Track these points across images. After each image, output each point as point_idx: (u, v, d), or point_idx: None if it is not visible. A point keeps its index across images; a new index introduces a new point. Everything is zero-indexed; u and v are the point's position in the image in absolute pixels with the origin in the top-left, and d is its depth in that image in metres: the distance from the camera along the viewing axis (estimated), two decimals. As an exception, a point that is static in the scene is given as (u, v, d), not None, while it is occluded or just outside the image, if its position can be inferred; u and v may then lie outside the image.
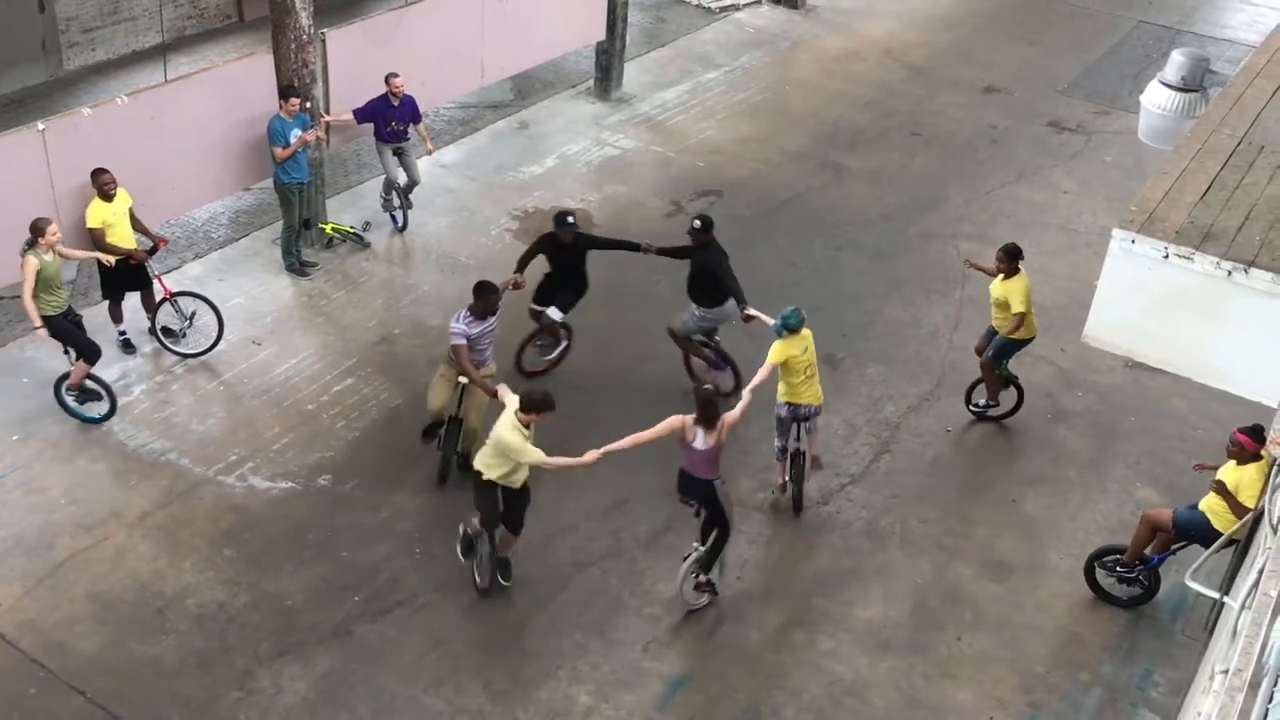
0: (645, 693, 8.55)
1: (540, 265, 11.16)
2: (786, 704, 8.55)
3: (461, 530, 9.11)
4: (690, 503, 8.93)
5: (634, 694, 8.53)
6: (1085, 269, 13.26)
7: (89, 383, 10.38)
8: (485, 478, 8.64)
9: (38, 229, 9.70)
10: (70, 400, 10.44)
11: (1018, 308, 10.47)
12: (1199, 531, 8.70)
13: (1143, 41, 20.62)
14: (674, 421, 8.59)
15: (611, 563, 9.53)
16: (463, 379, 9.60)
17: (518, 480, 8.69)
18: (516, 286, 10.55)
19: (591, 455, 8.42)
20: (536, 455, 8.35)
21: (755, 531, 9.89)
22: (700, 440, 8.59)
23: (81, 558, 9.22)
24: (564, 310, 11.09)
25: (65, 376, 10.34)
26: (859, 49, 19.61)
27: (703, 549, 8.96)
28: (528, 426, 8.42)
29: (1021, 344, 10.82)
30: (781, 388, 9.60)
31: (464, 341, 9.38)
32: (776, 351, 9.34)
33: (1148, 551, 9.16)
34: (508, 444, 8.36)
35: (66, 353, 10.24)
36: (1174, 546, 9.07)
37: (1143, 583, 9.25)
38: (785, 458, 10.01)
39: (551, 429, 8.82)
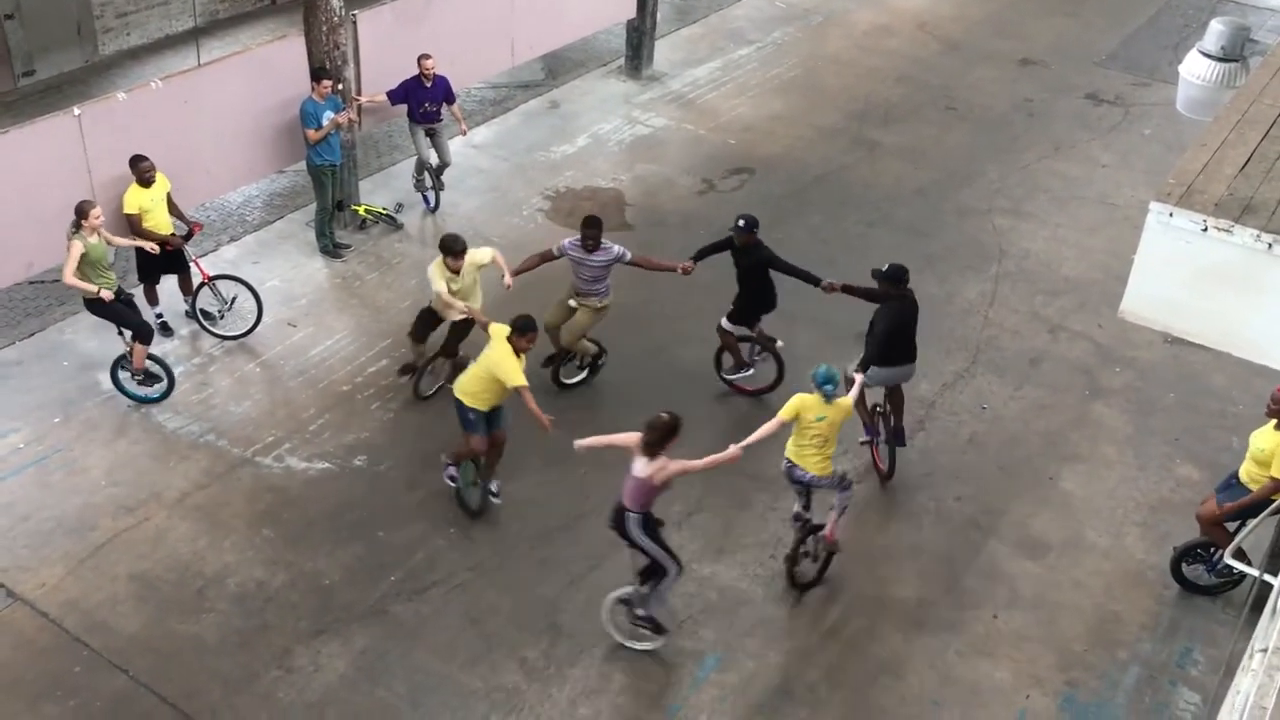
0: (679, 671, 8.57)
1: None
2: (821, 682, 8.55)
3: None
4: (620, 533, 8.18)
5: (668, 672, 8.55)
6: (1123, 243, 13.10)
7: (148, 363, 10.51)
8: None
9: (82, 212, 9.84)
10: (131, 384, 10.54)
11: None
12: (1251, 512, 8.52)
13: (1182, 11, 20.28)
14: (630, 438, 7.98)
15: (645, 541, 9.53)
16: (572, 302, 10.49)
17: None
18: (685, 271, 10.67)
19: (578, 443, 8.26)
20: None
21: (789, 509, 9.85)
22: (638, 466, 7.88)
23: (122, 538, 9.35)
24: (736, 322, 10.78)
25: (121, 359, 10.45)
26: (892, 23, 19.42)
27: (639, 587, 8.42)
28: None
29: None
30: (790, 442, 8.73)
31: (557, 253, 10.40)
32: (790, 406, 8.53)
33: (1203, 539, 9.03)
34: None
35: (120, 334, 10.35)
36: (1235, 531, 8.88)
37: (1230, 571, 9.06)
38: (798, 526, 9.03)
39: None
